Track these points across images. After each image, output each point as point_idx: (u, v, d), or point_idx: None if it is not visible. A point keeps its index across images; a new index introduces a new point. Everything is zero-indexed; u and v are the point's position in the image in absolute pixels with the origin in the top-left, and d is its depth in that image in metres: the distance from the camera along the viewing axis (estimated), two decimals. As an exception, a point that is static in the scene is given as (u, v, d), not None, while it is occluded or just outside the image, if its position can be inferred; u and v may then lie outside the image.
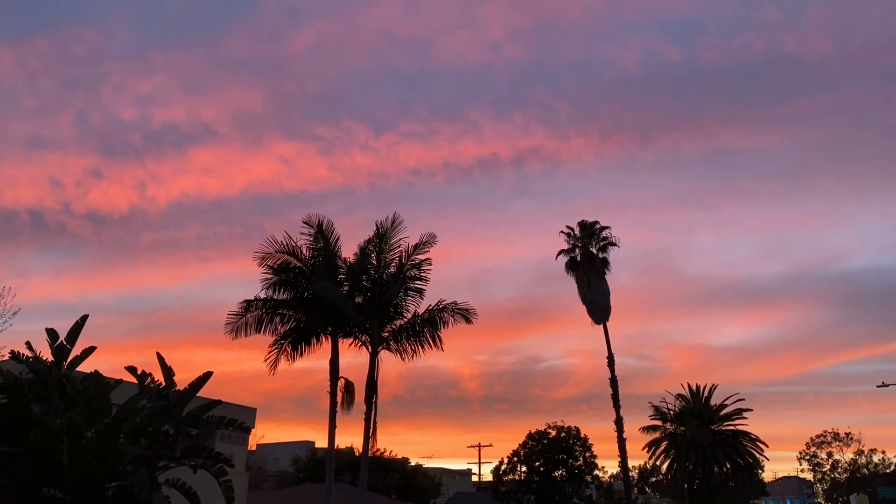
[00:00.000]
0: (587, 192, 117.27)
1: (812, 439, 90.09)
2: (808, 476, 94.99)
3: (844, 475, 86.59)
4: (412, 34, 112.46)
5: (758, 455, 42.47)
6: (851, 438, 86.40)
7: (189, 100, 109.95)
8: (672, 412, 44.80)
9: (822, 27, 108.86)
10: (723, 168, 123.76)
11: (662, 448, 43.61)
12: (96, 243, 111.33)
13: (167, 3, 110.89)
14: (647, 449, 44.76)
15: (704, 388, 44.53)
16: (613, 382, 37.17)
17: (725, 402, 43.95)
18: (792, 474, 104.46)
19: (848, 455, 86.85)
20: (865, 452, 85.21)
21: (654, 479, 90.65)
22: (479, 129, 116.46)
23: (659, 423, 44.92)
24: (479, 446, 68.60)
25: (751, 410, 43.38)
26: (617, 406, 36.81)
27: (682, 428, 44.15)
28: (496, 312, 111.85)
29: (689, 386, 44.65)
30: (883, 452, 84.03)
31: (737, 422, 43.77)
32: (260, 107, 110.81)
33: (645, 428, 44.02)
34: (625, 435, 36.59)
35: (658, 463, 44.97)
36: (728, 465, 42.35)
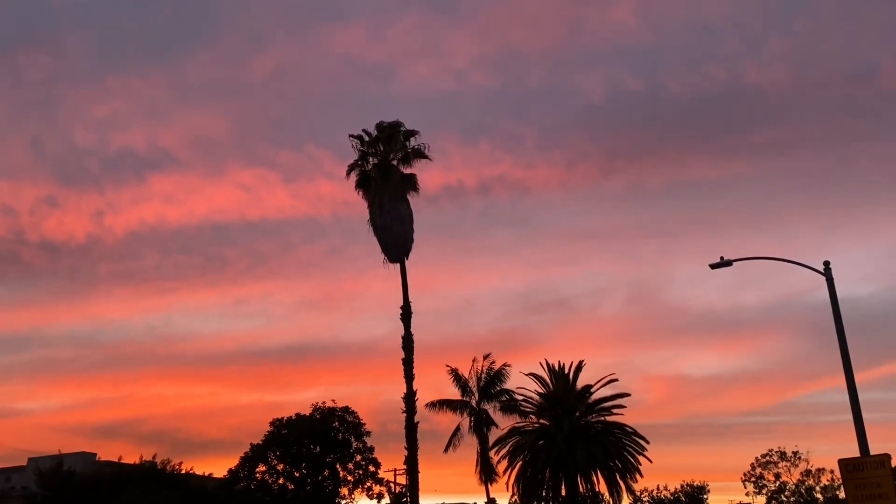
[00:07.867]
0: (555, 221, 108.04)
1: (757, 459, 79.33)
2: (759, 501, 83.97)
3: (792, 499, 75.47)
4: (376, 60, 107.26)
5: (637, 455, 31.01)
6: (799, 457, 75.57)
7: (148, 125, 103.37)
8: (530, 403, 33.46)
9: (783, 58, 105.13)
10: (688, 198, 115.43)
11: (509, 448, 31.93)
12: (51, 273, 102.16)
13: (124, 27, 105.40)
14: (493, 450, 33.21)
15: (570, 366, 33.14)
16: (407, 341, 25.68)
17: (592, 387, 32.45)
18: (744, 501, 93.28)
19: (795, 476, 75.90)
20: (813, 472, 74.26)
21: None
22: (447, 156, 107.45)
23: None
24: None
25: (629, 395, 32.05)
26: (409, 377, 25.26)
27: (541, 421, 32.84)
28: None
29: (549, 364, 33.15)
30: (832, 472, 73.07)
31: (612, 412, 32.44)
32: (221, 132, 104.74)
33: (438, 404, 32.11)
34: (416, 418, 25.02)
35: (503, 472, 32.86)
36: (599, 472, 30.81)
